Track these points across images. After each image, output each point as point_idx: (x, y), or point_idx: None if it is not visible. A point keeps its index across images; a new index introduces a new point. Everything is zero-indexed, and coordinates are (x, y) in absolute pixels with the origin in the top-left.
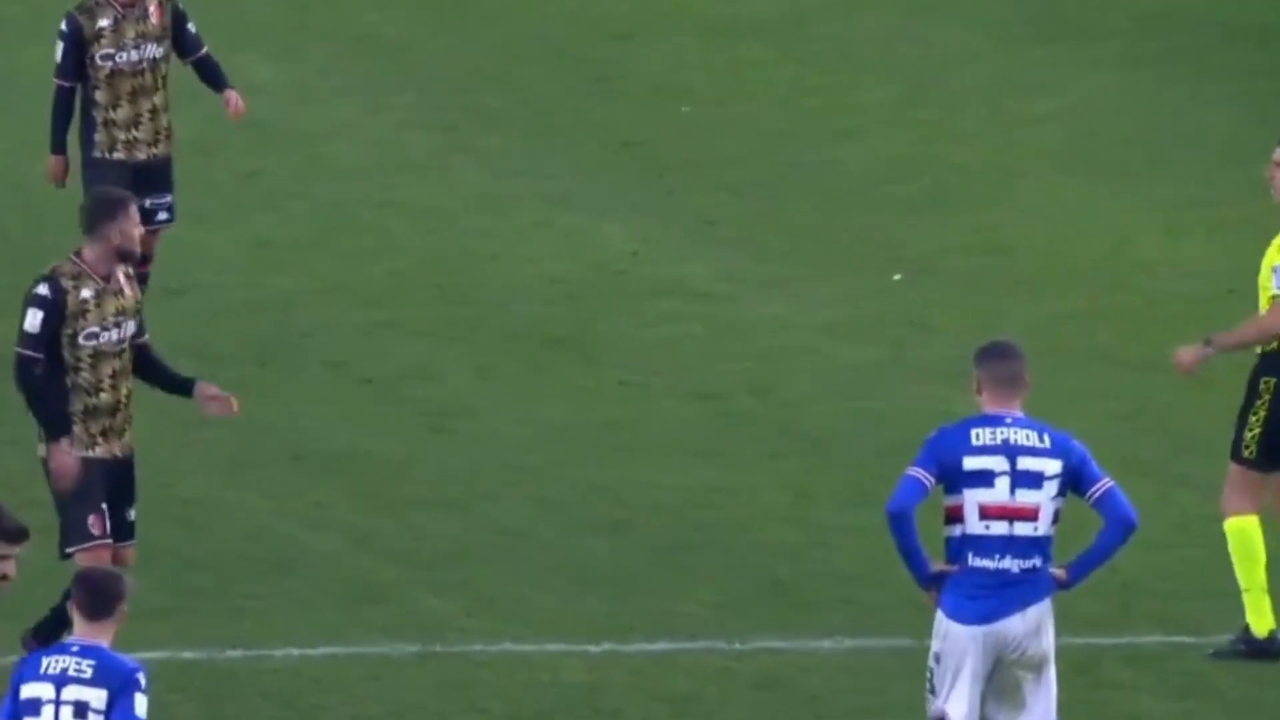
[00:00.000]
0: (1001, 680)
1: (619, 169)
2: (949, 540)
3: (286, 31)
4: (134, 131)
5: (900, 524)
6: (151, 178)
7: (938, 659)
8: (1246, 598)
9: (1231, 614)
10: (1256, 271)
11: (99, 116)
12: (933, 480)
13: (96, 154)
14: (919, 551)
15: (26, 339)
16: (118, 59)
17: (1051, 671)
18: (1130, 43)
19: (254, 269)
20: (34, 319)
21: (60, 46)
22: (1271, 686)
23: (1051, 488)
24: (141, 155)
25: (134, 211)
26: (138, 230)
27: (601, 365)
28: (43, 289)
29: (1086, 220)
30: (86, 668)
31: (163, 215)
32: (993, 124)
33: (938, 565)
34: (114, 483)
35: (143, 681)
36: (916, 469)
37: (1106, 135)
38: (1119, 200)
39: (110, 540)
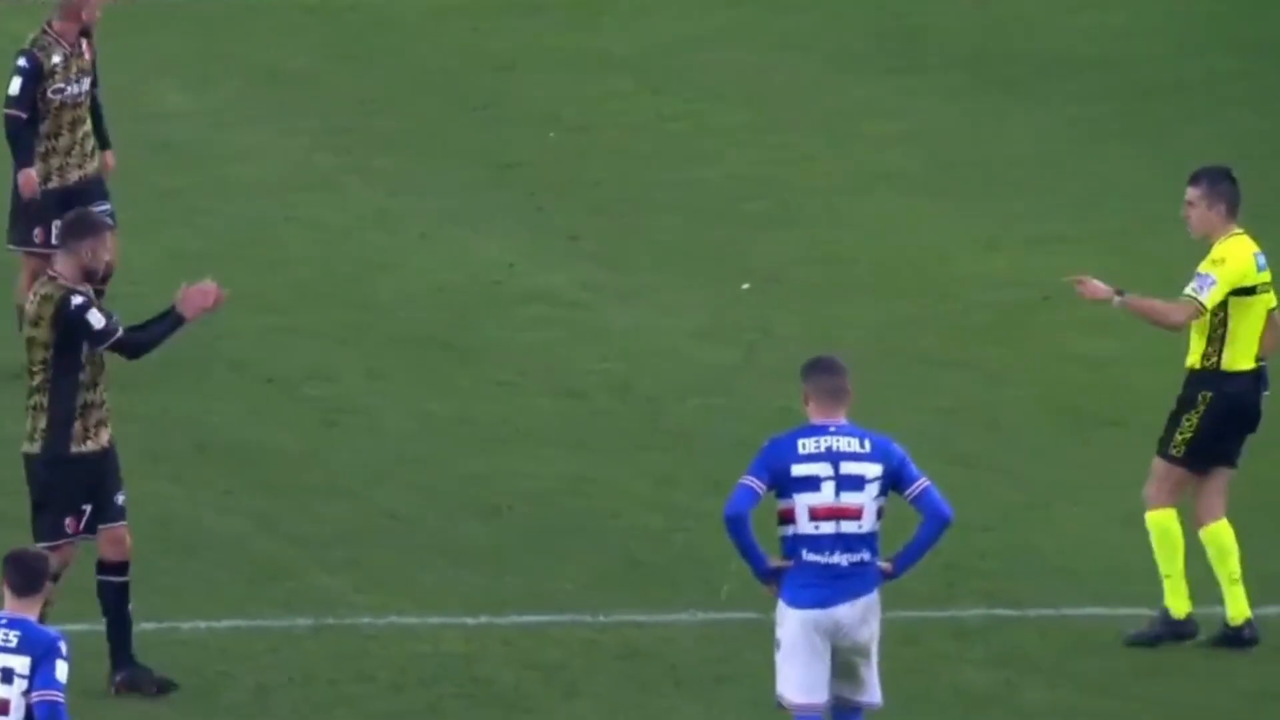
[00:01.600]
0: (840, 663)
1: (496, 189)
2: (783, 539)
3: (200, 64)
4: (68, 157)
5: (737, 527)
6: (88, 194)
7: (779, 645)
8: (1167, 584)
9: (1047, 589)
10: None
11: (40, 147)
12: (764, 487)
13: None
14: (756, 549)
15: (105, 329)
16: (66, 92)
17: (876, 652)
18: (961, 74)
19: (168, 278)
20: (96, 314)
21: (19, 80)
22: (1084, 656)
23: (873, 489)
24: (73, 177)
25: (108, 239)
26: (107, 255)
27: (480, 366)
28: (78, 298)
29: (917, 235)
30: (13, 637)
31: (109, 222)
32: (835, 148)
33: (775, 561)
34: (105, 470)
35: (64, 649)
36: (749, 478)
37: (936, 158)
38: (946, 217)
39: (79, 537)
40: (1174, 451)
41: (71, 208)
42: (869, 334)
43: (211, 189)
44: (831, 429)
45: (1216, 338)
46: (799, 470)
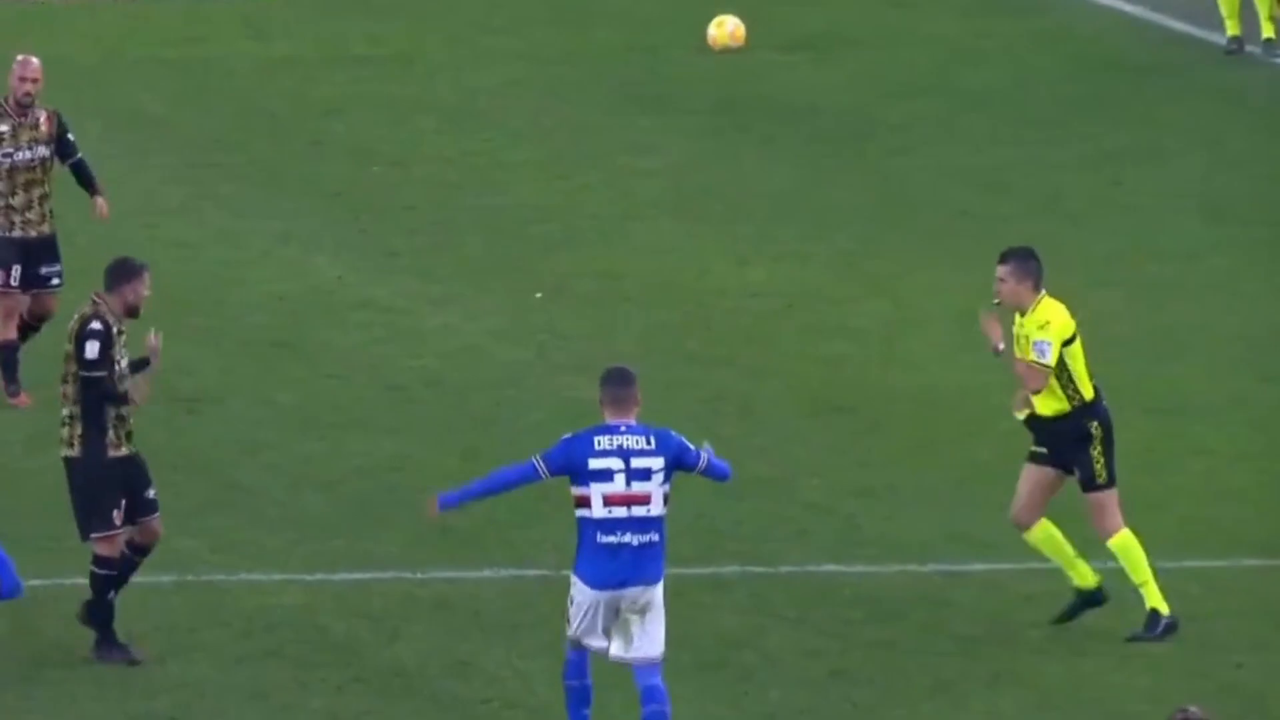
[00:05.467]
0: (620, 623)
1: (327, 213)
2: (580, 520)
3: (70, 109)
4: (28, 214)
5: (494, 476)
6: (43, 251)
7: (572, 601)
8: (1145, 589)
9: (793, 549)
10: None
11: (1, 203)
12: (549, 474)
13: None
14: (478, 491)
15: (91, 363)
16: (15, 157)
17: (660, 613)
18: (712, 117)
19: None
20: (94, 347)
21: None
22: (822, 606)
23: (659, 478)
24: (34, 233)
25: (148, 277)
26: (147, 292)
27: (315, 363)
28: (95, 324)
29: (679, 253)
30: None
31: (55, 281)
32: (606, 179)
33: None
34: (134, 471)
35: None
36: (540, 460)
37: (694, 188)
38: (703, 238)
39: (124, 528)
40: (1101, 480)
41: (29, 260)
42: (641, 336)
43: (84, 214)
44: (622, 429)
45: (1067, 383)
46: (595, 464)
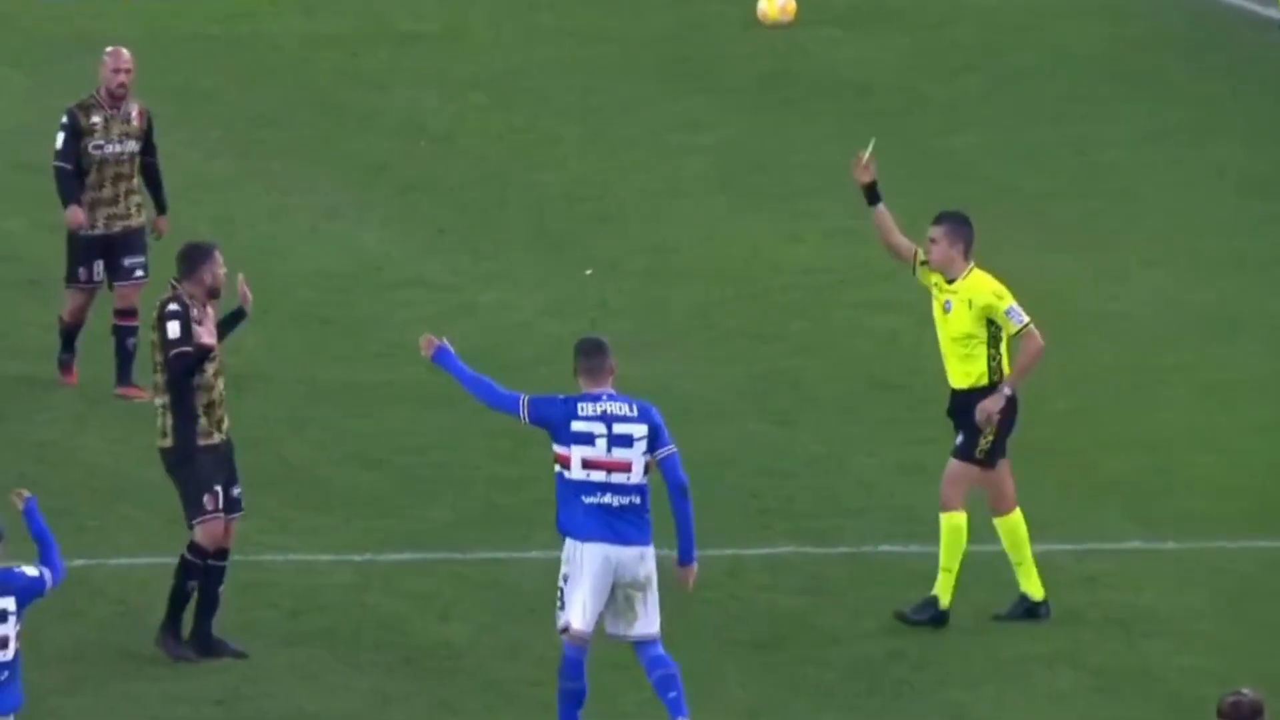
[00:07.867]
0: (620, 600)
1: (374, 189)
2: (559, 478)
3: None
4: (113, 208)
5: (484, 384)
6: (128, 244)
7: (565, 579)
8: (945, 576)
9: (847, 528)
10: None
11: (86, 198)
12: (527, 419)
13: (81, 231)
14: (463, 379)
15: (172, 341)
16: (106, 149)
17: (656, 589)
18: (758, 93)
19: None
20: (175, 327)
21: (60, 135)
22: (881, 585)
23: (641, 446)
24: (118, 227)
25: (220, 256)
26: (223, 270)
27: (362, 340)
28: (173, 305)
29: (729, 229)
30: None
31: (139, 273)
32: (658, 155)
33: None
34: (227, 458)
35: (30, 572)
36: (526, 402)
37: (743, 164)
38: (753, 214)
39: (222, 514)
40: (979, 455)
41: (113, 253)
42: (693, 311)
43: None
44: (604, 397)
45: (995, 354)
46: (578, 426)
